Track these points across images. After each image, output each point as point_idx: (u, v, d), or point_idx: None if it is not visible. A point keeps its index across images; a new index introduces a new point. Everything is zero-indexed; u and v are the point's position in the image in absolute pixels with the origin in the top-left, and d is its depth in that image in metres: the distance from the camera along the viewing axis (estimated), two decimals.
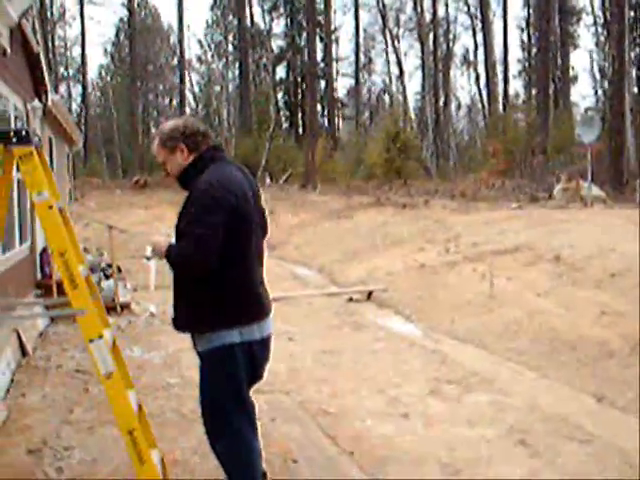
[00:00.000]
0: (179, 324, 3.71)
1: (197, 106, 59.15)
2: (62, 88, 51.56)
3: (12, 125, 8.60)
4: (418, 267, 13.72)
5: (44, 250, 10.83)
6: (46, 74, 11.13)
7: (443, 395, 6.65)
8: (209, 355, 3.59)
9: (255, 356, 3.64)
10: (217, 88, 56.15)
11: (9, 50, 7.66)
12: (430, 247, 15.31)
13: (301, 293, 13.08)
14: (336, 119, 51.54)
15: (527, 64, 50.01)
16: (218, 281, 3.48)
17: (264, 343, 3.70)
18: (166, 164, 3.75)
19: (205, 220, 3.40)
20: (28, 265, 9.90)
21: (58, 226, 3.33)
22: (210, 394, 3.66)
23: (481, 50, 49.64)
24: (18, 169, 3.55)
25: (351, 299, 12.59)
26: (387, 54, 53.38)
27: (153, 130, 58.94)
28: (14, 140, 3.43)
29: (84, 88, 54.06)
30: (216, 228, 3.40)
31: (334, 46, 52.08)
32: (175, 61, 56.05)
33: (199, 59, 58.43)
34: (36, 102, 10.67)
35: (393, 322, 10.88)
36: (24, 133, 3.43)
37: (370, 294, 12.68)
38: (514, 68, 54.21)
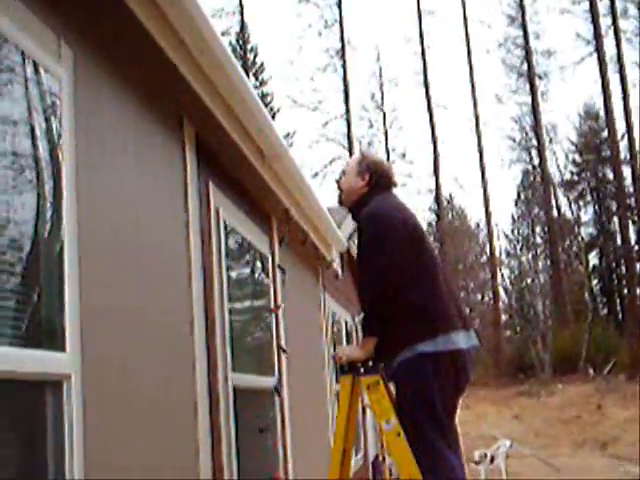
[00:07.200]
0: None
1: (509, 300, 59.07)
2: None
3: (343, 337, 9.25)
4: None
5: (376, 458, 11.16)
6: None
7: None
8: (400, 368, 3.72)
9: (444, 367, 3.67)
10: (528, 280, 55.99)
11: (340, 273, 8.38)
12: None
13: None
14: None
15: None
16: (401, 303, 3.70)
17: (453, 355, 3.71)
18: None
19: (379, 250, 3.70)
20: (362, 474, 10.21)
21: (406, 453, 3.52)
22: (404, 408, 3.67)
23: None
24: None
25: None
26: None
27: None
28: (362, 371, 3.77)
29: None
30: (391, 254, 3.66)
31: None
32: (484, 258, 57.01)
33: (508, 253, 59.01)
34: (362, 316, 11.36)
35: None
36: (370, 364, 3.76)
37: None
38: None
